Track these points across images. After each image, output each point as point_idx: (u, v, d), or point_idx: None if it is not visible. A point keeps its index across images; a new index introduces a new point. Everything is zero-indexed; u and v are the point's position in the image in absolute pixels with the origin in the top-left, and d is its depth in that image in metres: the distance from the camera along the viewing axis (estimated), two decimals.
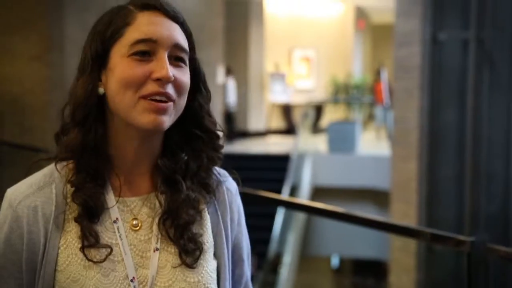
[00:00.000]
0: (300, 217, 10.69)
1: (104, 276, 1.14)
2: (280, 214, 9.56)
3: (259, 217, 8.08)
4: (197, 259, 1.20)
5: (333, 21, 18.16)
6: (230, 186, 1.34)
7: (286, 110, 16.70)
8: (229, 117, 13.45)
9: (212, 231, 1.26)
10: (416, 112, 8.00)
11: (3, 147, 7.47)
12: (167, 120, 1.15)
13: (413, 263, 8.08)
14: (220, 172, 1.32)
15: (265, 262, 8.94)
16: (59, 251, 1.15)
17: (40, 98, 7.92)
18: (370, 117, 17.76)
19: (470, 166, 7.75)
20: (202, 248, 1.21)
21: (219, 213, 1.29)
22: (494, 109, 7.72)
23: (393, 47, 8.46)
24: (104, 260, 1.14)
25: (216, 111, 9.52)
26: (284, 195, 9.67)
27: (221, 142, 1.27)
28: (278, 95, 16.40)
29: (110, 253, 1.15)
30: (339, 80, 17.42)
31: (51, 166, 1.20)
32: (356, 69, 19.21)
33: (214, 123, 1.26)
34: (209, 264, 1.23)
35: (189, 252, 1.19)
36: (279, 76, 16.65)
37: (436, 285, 8.17)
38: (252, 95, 15.28)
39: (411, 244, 7.86)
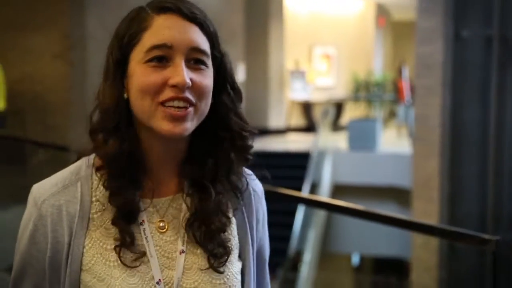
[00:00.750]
0: (320, 215, 10.66)
1: (130, 277, 1.14)
2: (300, 212, 9.54)
3: (279, 214, 8.08)
4: (224, 262, 1.20)
5: (354, 18, 18.09)
6: (256, 187, 1.33)
7: (306, 107, 16.65)
8: None
9: (238, 233, 1.26)
10: (438, 110, 7.94)
11: (25, 145, 7.53)
12: (189, 127, 1.14)
13: (435, 261, 8.04)
14: (247, 171, 1.31)
15: (286, 260, 8.93)
16: (84, 250, 1.15)
17: (62, 96, 7.98)
18: (391, 115, 17.67)
19: (492, 164, 7.68)
20: (230, 253, 1.21)
21: (245, 215, 1.28)
22: None
23: (415, 44, 8.40)
24: (138, 265, 1.14)
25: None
26: (304, 193, 9.66)
27: (250, 142, 1.24)
28: (298, 92, 16.34)
29: (142, 256, 1.15)
30: (359, 77, 17.35)
31: (78, 163, 1.21)
32: (377, 67, 19.13)
33: (242, 123, 1.23)
34: (234, 266, 1.23)
35: (218, 256, 1.19)
36: (299, 73, 16.61)
37: (458, 283, 8.12)
38: (272, 92, 15.25)
39: (433, 242, 7.81)
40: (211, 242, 1.19)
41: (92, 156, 1.21)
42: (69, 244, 1.14)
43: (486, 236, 2.23)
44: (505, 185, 7.67)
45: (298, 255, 9.50)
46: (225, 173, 1.22)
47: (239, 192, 1.25)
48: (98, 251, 1.15)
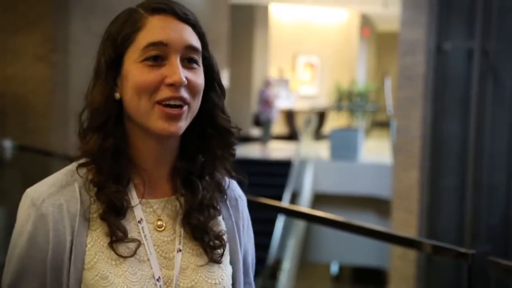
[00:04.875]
0: (300, 224, 10.67)
1: (132, 274, 1.15)
2: (280, 220, 9.55)
3: (259, 223, 8.04)
4: (221, 255, 1.23)
5: (338, 28, 18.18)
6: (241, 195, 1.37)
7: (289, 116, 16.69)
8: None
9: (228, 238, 1.29)
10: (419, 122, 7.99)
11: (4, 148, 7.46)
12: (183, 125, 1.17)
13: (413, 272, 8.07)
14: (232, 182, 1.35)
15: (265, 268, 8.92)
16: (86, 248, 1.15)
17: (44, 99, 7.92)
18: (373, 125, 17.75)
19: (471, 177, 7.74)
20: (225, 245, 1.25)
21: (233, 219, 1.31)
22: (497, 120, 7.72)
23: (398, 56, 8.46)
24: (134, 254, 1.16)
25: None
26: (285, 201, 9.67)
27: (234, 138, 1.28)
28: (281, 100, 16.40)
29: (138, 247, 1.16)
30: (342, 87, 17.43)
31: (70, 166, 1.21)
32: (360, 77, 19.22)
33: (228, 120, 1.26)
34: (227, 267, 1.26)
35: (215, 247, 1.23)
36: (282, 81, 16.65)
37: None
38: (255, 100, 15.27)
39: (411, 252, 7.85)
40: (207, 234, 1.22)
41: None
42: (72, 243, 1.14)
43: (462, 250, 2.25)
44: (484, 199, 7.73)
45: (277, 263, 9.50)
46: (211, 169, 1.26)
47: (222, 189, 1.29)
48: (100, 250, 1.15)
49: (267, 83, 13.99)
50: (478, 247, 7.28)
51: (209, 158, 1.25)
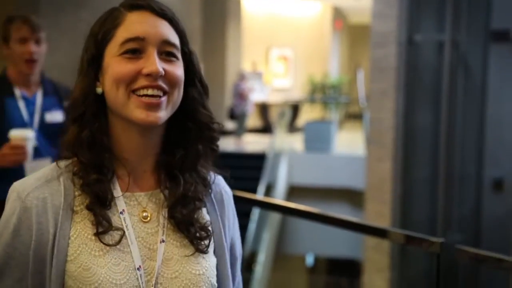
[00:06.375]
0: (275, 216, 10.71)
1: (115, 265, 1.17)
2: (255, 213, 9.57)
3: None
4: (207, 246, 1.26)
5: (311, 20, 18.21)
6: (227, 189, 1.40)
7: (263, 108, 16.71)
8: None
9: (213, 230, 1.31)
10: (391, 113, 8.06)
11: None
12: (162, 115, 1.20)
13: (387, 262, 8.15)
14: (218, 176, 1.38)
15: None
16: (70, 241, 1.17)
17: None
18: (346, 117, 17.82)
19: (443, 168, 7.83)
20: (211, 236, 1.28)
21: (218, 212, 1.34)
22: (468, 112, 7.82)
23: (370, 48, 8.52)
24: (118, 242, 1.18)
25: None
26: (260, 194, 9.69)
27: (216, 134, 1.31)
28: (255, 93, 16.41)
29: (122, 236, 1.19)
30: (316, 79, 17.48)
31: (57, 162, 1.24)
32: (333, 69, 19.29)
33: (209, 116, 1.29)
34: (211, 259, 1.28)
35: (201, 238, 1.25)
36: (256, 74, 16.65)
37: (409, 284, 8.25)
38: (229, 93, 15.26)
39: (385, 243, 7.92)
40: (192, 226, 1.25)
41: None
42: (54, 235, 1.16)
43: (431, 239, 2.29)
44: (455, 188, 7.83)
45: (253, 256, 9.53)
46: (194, 163, 1.29)
47: (206, 183, 1.32)
48: (83, 242, 1.17)
49: (241, 77, 13.98)
50: (449, 237, 7.38)
51: (191, 152, 1.28)
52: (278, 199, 10.05)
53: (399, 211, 8.10)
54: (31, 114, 3.07)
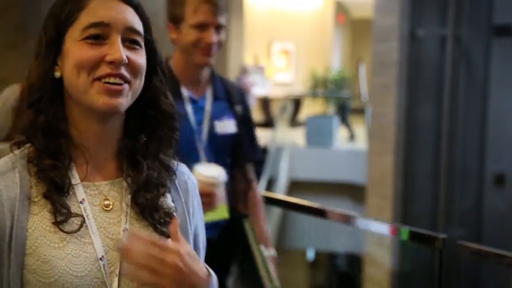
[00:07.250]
0: (276, 210, 10.70)
1: (75, 257, 1.14)
2: None
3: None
4: None
5: (313, 14, 18.16)
6: (192, 177, 1.38)
7: (265, 103, 16.68)
8: None
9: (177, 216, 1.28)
10: (393, 108, 8.04)
11: None
12: (124, 102, 1.18)
13: (388, 257, 8.14)
14: (181, 165, 1.36)
15: None
16: (28, 233, 1.14)
17: None
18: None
19: (445, 163, 7.82)
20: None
21: (183, 200, 1.32)
22: (470, 106, 7.79)
23: (372, 42, 8.49)
24: (79, 229, 1.15)
25: None
26: (261, 189, 9.68)
27: (176, 122, 1.29)
28: (257, 88, 16.39)
29: (83, 224, 1.15)
30: (318, 74, 17.44)
31: (12, 153, 1.21)
32: (335, 64, 19.24)
33: (171, 104, 1.28)
34: None
35: (165, 224, 1.22)
36: (258, 69, 16.62)
37: (411, 279, 8.24)
38: None
39: (386, 238, 7.91)
40: (156, 212, 1.23)
41: (28, 145, 1.22)
42: (11, 228, 1.13)
43: (434, 234, 2.28)
44: (457, 183, 7.81)
45: None
46: (155, 150, 1.26)
47: (170, 170, 1.29)
48: (41, 234, 1.14)
49: (244, 70, 13.95)
50: (450, 232, 7.37)
51: (152, 139, 1.26)
52: (279, 194, 10.05)
53: (401, 205, 8.08)
54: (199, 122, 2.40)
